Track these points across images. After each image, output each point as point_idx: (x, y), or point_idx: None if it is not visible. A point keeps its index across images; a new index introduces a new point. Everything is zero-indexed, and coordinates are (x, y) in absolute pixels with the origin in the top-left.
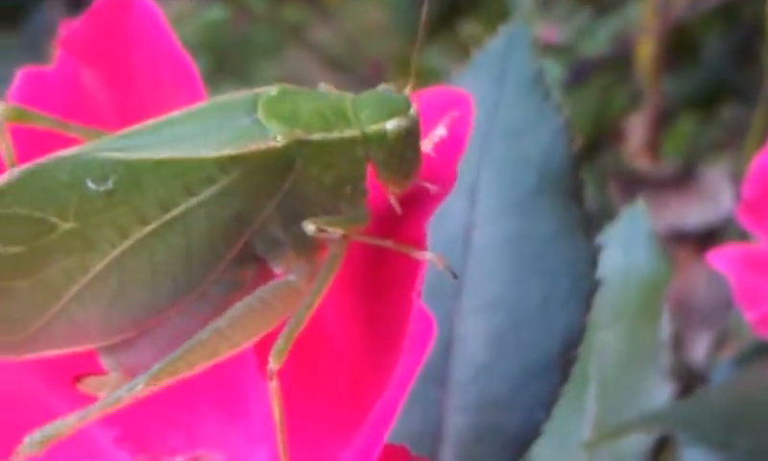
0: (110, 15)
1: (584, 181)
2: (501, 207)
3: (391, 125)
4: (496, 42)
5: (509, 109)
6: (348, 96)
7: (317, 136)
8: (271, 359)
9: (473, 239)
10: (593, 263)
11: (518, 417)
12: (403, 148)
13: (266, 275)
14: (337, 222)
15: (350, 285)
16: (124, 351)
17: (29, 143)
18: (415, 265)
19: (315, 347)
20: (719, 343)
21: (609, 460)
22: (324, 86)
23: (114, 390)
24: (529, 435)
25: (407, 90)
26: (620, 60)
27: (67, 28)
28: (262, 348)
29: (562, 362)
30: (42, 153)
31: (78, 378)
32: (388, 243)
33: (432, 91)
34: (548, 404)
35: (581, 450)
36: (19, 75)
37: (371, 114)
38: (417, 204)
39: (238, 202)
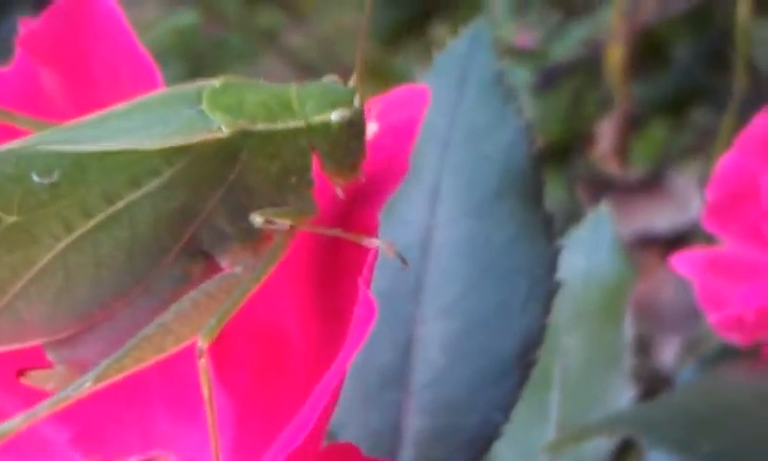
0: (70, 15)
1: (544, 184)
2: (461, 211)
3: (335, 116)
4: (458, 44)
5: (470, 110)
6: (293, 87)
7: (261, 127)
8: (200, 338)
9: (433, 242)
10: (553, 266)
11: (476, 419)
12: (347, 139)
13: (212, 269)
14: (284, 213)
15: (306, 278)
16: (69, 345)
17: None
18: (366, 254)
19: (272, 341)
20: (690, 348)
21: None
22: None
23: (60, 383)
24: (487, 437)
25: (352, 83)
26: (590, 65)
27: (26, 27)
28: (217, 349)
29: (520, 365)
30: None
31: (21, 373)
32: (336, 232)
33: (394, 91)
34: (507, 407)
35: (543, 454)
36: None
37: (315, 105)
38: (368, 193)
39: (183, 194)
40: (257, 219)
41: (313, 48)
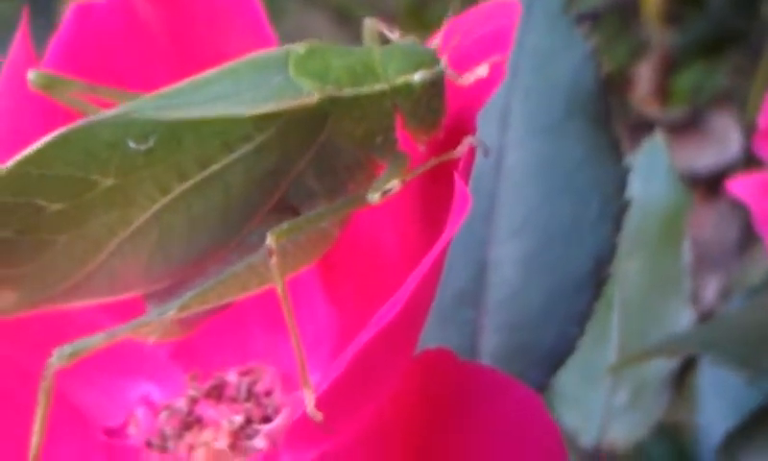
0: None
1: (611, 106)
2: (531, 132)
3: (417, 77)
4: None
5: (537, 36)
6: (376, 50)
7: (348, 92)
8: (269, 237)
9: (505, 164)
10: (622, 185)
11: (552, 334)
12: (429, 99)
13: None
14: (391, 176)
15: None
16: (161, 297)
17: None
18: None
19: (374, 254)
20: (730, 287)
21: (633, 384)
22: (369, 22)
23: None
24: (563, 350)
25: (435, 43)
26: (624, 10)
27: None
28: (317, 266)
29: (594, 280)
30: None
31: None
32: (434, 161)
33: (481, 6)
34: (582, 320)
35: (606, 375)
36: (71, 9)
37: (397, 67)
38: (468, 97)
39: (274, 157)
40: (374, 197)
41: None
